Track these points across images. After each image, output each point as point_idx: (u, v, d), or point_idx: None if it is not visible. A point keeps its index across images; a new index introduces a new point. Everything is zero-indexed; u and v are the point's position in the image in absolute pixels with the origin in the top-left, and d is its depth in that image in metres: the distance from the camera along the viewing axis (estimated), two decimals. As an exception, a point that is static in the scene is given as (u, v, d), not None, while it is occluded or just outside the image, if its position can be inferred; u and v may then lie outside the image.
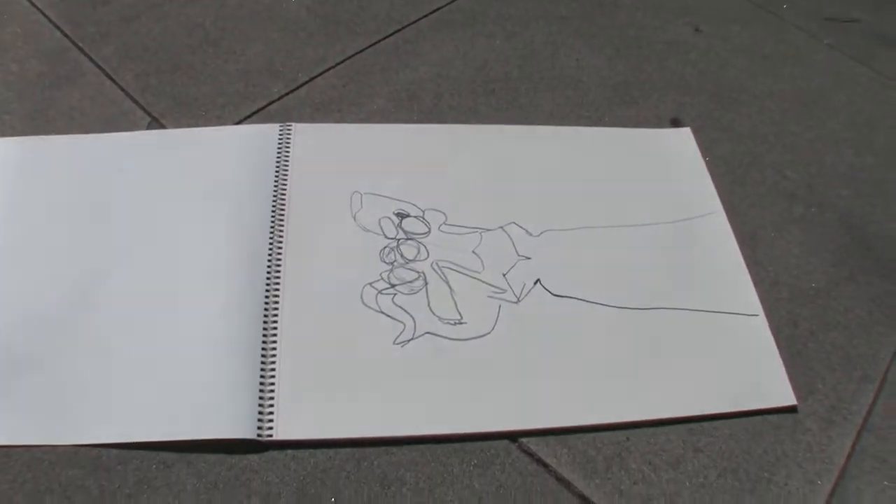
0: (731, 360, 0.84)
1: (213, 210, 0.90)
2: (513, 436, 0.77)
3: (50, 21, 1.13)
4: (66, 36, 1.11)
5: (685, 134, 1.06)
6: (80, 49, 1.10)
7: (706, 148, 1.06)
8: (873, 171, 1.09)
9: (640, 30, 1.25)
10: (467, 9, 1.23)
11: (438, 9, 1.22)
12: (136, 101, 1.03)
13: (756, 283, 0.92)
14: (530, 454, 0.76)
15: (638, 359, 0.82)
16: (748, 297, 0.89)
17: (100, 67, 1.07)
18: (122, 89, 1.04)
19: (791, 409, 0.82)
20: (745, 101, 1.16)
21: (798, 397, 0.83)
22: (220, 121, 1.01)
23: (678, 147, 1.04)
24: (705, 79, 1.18)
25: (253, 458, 0.74)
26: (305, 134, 0.98)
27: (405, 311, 0.82)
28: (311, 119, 1.02)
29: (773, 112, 1.15)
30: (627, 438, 0.78)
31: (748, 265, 0.93)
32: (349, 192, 0.93)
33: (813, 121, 1.15)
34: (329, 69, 1.09)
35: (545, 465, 0.76)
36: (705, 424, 0.81)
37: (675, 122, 1.09)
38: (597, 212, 0.94)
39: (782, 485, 0.77)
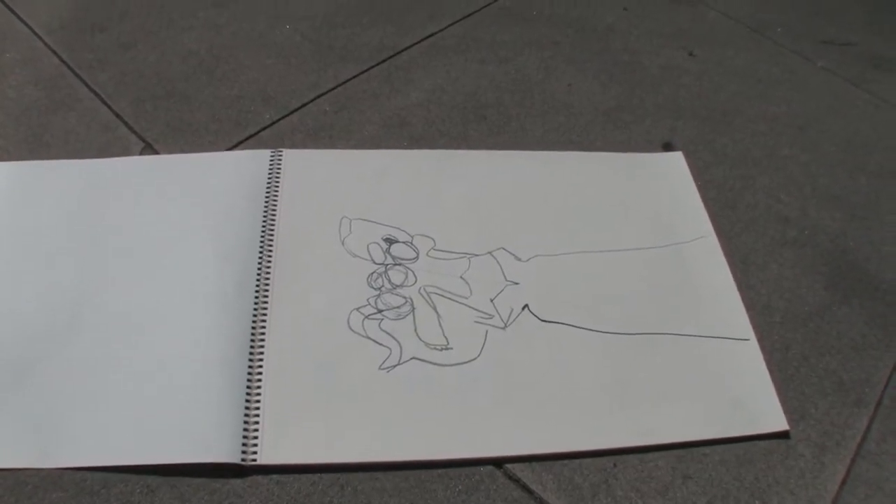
0: (721, 384, 0.83)
1: (203, 234, 0.90)
2: (498, 462, 0.76)
3: (48, 47, 1.14)
4: (63, 62, 1.12)
5: (677, 158, 1.06)
6: (77, 75, 1.11)
7: (698, 171, 1.06)
8: (867, 194, 1.08)
9: (634, 55, 1.26)
10: (459, 35, 1.24)
11: (431, 35, 1.23)
12: (130, 127, 1.04)
13: (748, 307, 0.91)
14: (516, 480, 0.76)
15: (627, 385, 0.82)
16: (740, 321, 0.89)
17: (96, 93, 1.08)
18: (117, 115, 1.05)
19: (783, 435, 0.81)
20: (739, 124, 1.16)
21: (790, 422, 0.82)
22: (212, 146, 1.02)
23: (670, 171, 1.04)
24: (698, 103, 1.18)
25: (237, 482, 0.73)
26: (296, 160, 0.99)
27: (392, 336, 0.82)
28: (303, 145, 1.02)
29: (766, 135, 1.15)
30: (614, 465, 0.78)
31: (740, 289, 0.93)
32: (338, 217, 0.93)
33: (807, 143, 1.15)
34: (321, 95, 1.10)
35: (530, 492, 0.75)
36: (695, 451, 0.80)
37: (668, 147, 1.09)
38: (587, 237, 0.94)
39: (774, 512, 0.76)
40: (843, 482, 0.80)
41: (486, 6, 1.30)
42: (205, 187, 0.95)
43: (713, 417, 0.80)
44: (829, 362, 0.89)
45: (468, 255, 0.90)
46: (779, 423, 0.81)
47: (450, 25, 1.25)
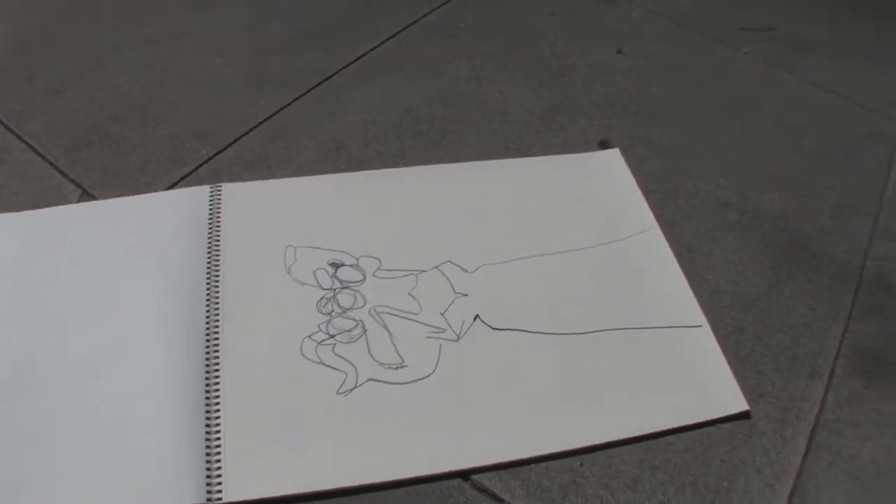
0: (679, 373, 0.84)
1: (148, 276, 0.89)
2: (465, 474, 0.76)
3: (-27, 103, 1.13)
4: (-10, 115, 1.11)
5: (614, 155, 1.07)
6: (6, 126, 1.09)
7: (636, 166, 1.07)
8: (803, 172, 1.11)
9: (563, 58, 1.27)
10: (389, 54, 1.24)
11: (361, 56, 1.23)
12: (65, 175, 1.02)
13: (697, 294, 0.92)
14: (484, 490, 0.75)
15: (585, 383, 0.82)
16: (690, 308, 0.90)
17: (27, 144, 1.07)
18: (52, 164, 1.04)
19: (744, 415, 0.82)
20: (673, 116, 1.17)
21: (750, 402, 0.83)
22: (150, 188, 1.01)
23: (608, 168, 1.05)
24: (630, 98, 1.20)
25: (203, 524, 0.72)
26: (235, 193, 0.98)
27: (346, 360, 0.82)
28: (242, 178, 1.01)
29: (700, 124, 1.17)
30: (581, 464, 0.78)
31: (688, 277, 0.94)
32: (283, 246, 0.92)
33: (741, 128, 1.17)
34: (256, 126, 1.10)
35: (500, 500, 0.75)
36: (660, 441, 0.80)
37: (604, 144, 1.10)
38: (532, 241, 0.94)
39: (742, 492, 0.77)
40: (806, 454, 0.81)
41: (413, 23, 1.31)
42: (146, 229, 0.94)
43: (675, 406, 0.81)
44: (781, 339, 0.91)
45: (415, 272, 0.90)
46: (739, 404, 0.82)
47: (379, 45, 1.26)
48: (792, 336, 0.91)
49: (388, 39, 1.27)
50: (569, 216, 0.98)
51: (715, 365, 0.85)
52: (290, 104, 1.13)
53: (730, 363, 0.86)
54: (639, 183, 1.04)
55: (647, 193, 1.03)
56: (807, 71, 1.32)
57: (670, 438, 0.80)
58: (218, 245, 0.92)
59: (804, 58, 1.36)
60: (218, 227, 0.94)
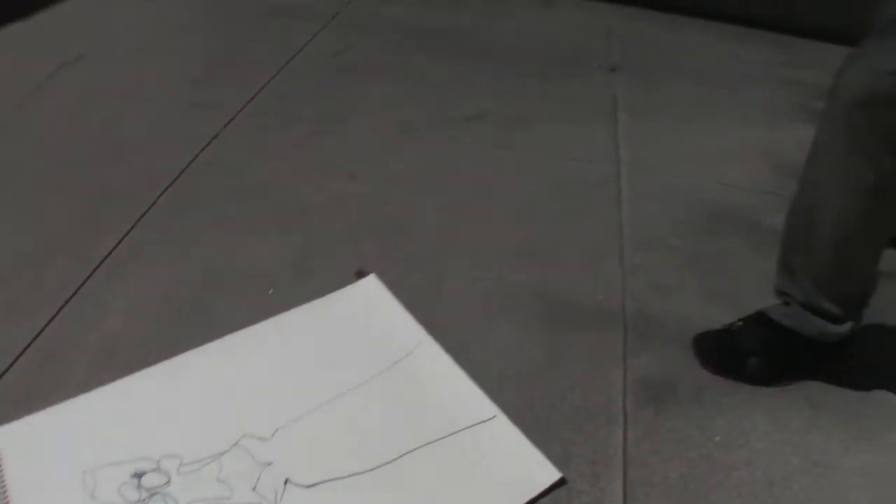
0: (489, 466, 0.89)
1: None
2: None
3: None
4: None
5: (372, 281, 1.13)
6: None
7: (395, 285, 1.13)
8: (546, 237, 1.22)
9: (300, 198, 1.31)
10: (137, 245, 1.23)
11: (107, 256, 1.20)
12: None
13: (484, 387, 0.99)
14: None
15: (408, 505, 0.85)
16: (481, 403, 0.96)
17: None
18: None
19: (560, 483, 0.89)
20: (414, 228, 1.25)
21: (561, 468, 0.90)
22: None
23: (369, 296, 1.11)
24: (374, 221, 1.26)
25: None
26: (12, 434, 0.94)
27: (173, 568, 0.80)
28: (16, 416, 0.97)
29: (440, 226, 1.25)
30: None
31: (470, 374, 1.00)
32: (79, 473, 0.89)
33: (481, 216, 1.27)
34: (20, 356, 1.05)
35: None
36: (489, 534, 0.85)
37: (360, 273, 1.15)
38: (319, 389, 0.98)
39: (578, 553, 0.82)
40: (625, 495, 0.88)
41: (145, 213, 1.31)
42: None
43: (496, 498, 0.85)
44: (572, 399, 0.99)
45: (216, 456, 0.90)
46: (551, 475, 0.89)
47: (119, 243, 1.24)
48: (580, 393, 1.00)
49: (126, 236, 1.26)
50: (347, 355, 1.03)
51: (519, 447, 0.92)
52: (49, 323, 1.10)
53: (532, 440, 0.93)
54: (402, 300, 1.09)
55: (412, 308, 1.08)
56: (523, 143, 1.46)
57: (499, 528, 0.85)
58: (5, 495, 0.87)
59: (517, 132, 1.50)
60: (1, 475, 0.89)
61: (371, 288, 1.12)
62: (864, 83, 0.91)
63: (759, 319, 1.10)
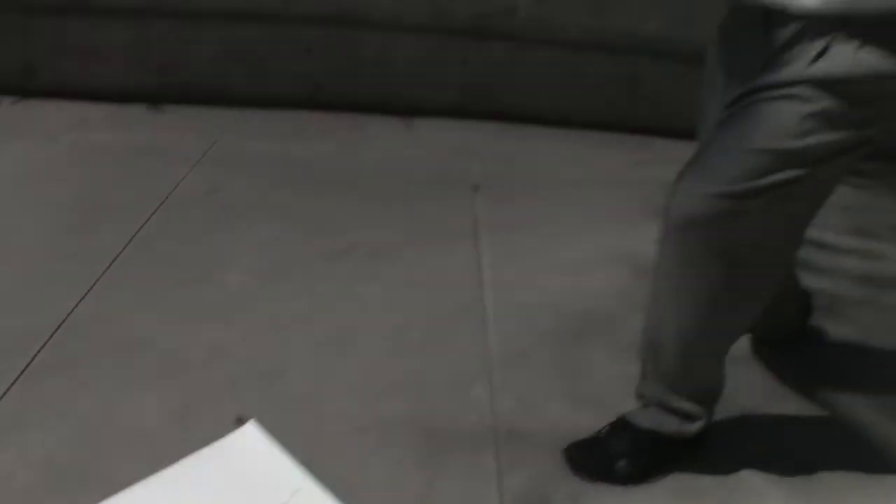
0: None
1: None
2: None
3: None
4: None
5: (251, 429, 1.15)
6: None
7: (275, 430, 1.14)
8: (414, 369, 1.28)
9: (175, 350, 1.33)
10: (11, 411, 1.21)
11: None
12: None
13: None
14: None
15: None
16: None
17: None
18: None
19: None
20: (292, 367, 1.28)
21: None
22: None
23: (250, 444, 1.13)
24: (252, 370, 1.28)
25: None
26: None
27: None
28: None
29: (316, 366, 1.30)
30: None
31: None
32: None
33: (351, 353, 1.33)
34: None
35: None
36: None
37: (240, 420, 1.17)
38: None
39: None
40: None
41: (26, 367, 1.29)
42: None
43: None
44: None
45: None
46: None
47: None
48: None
49: (4, 394, 1.23)
50: (233, 504, 1.03)
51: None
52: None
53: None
54: (282, 444, 1.11)
55: (293, 450, 1.11)
56: (389, 275, 1.52)
57: None
58: None
59: (383, 264, 1.56)
60: None
61: (251, 435, 1.14)
62: (689, 205, 1.02)
63: (622, 424, 1.18)
